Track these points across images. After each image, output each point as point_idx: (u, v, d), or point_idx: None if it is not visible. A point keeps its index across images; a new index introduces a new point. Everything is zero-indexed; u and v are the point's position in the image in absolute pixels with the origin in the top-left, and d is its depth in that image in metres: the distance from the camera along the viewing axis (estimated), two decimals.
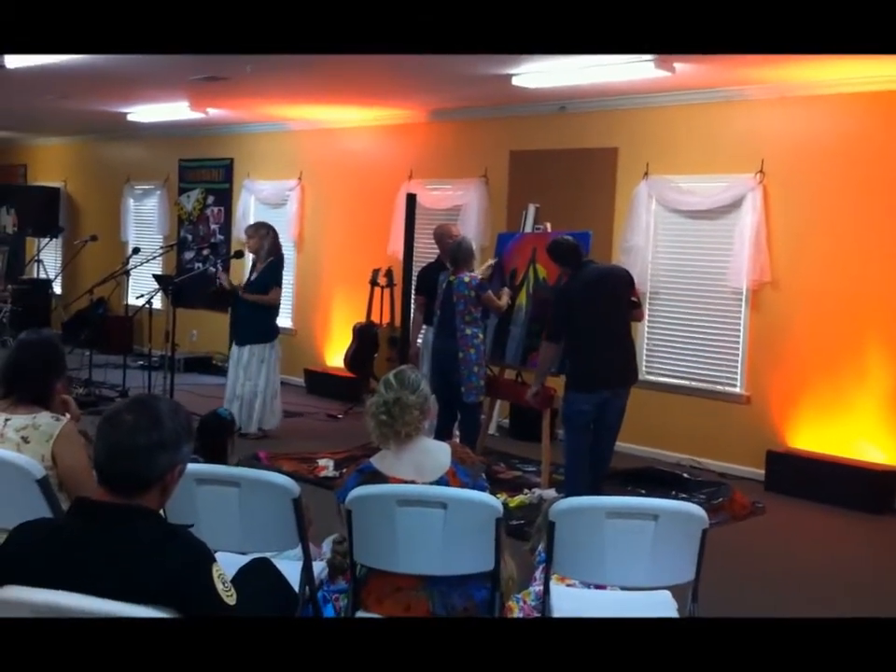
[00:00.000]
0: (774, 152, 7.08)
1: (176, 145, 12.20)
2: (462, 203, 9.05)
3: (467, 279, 6.43)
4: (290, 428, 8.22)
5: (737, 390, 7.34)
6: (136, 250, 9.68)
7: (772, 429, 7.09)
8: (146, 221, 12.88)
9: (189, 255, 12.28)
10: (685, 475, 6.83)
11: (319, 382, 10.24)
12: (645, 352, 7.79)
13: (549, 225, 7.04)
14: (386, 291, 9.47)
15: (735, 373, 7.36)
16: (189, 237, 12.30)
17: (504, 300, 6.65)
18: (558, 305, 5.96)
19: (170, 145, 12.29)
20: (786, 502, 6.56)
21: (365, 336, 9.55)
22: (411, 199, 8.30)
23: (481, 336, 6.47)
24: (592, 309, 5.78)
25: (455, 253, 6.57)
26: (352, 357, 9.63)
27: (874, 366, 6.63)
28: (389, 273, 9.38)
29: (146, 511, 2.14)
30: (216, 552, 2.22)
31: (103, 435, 2.17)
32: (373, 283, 9.52)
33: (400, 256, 8.43)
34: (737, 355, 7.34)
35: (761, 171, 7.10)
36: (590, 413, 5.84)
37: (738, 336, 7.32)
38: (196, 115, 10.06)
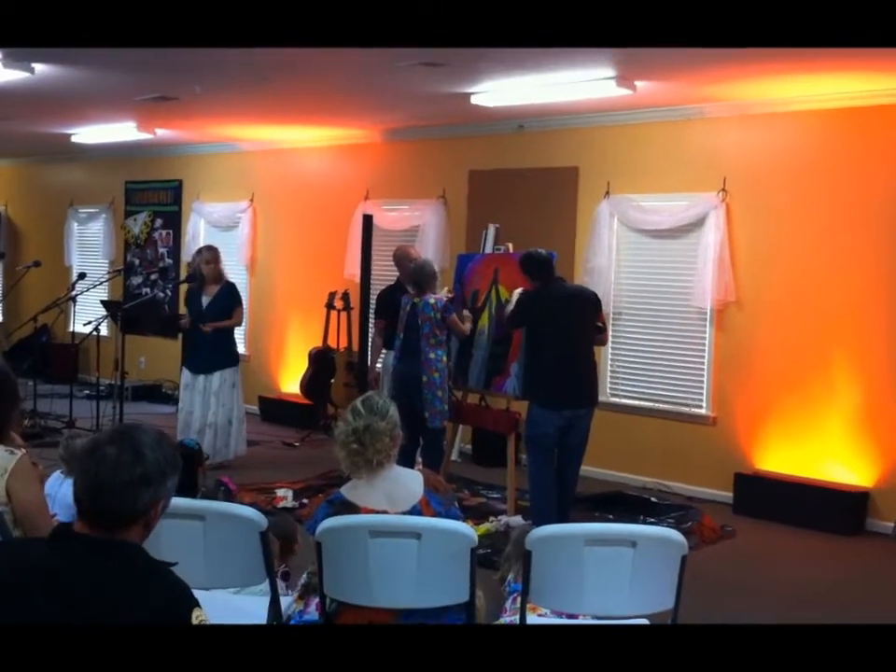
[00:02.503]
0: (736, 170, 7.17)
1: (122, 166, 12.11)
2: (420, 224, 9.06)
3: (432, 301, 6.42)
4: (246, 458, 8.14)
5: (703, 411, 7.39)
6: (82, 275, 9.55)
7: (739, 451, 7.14)
8: (91, 246, 12.74)
9: (136, 280, 12.17)
10: (653, 499, 6.86)
11: (274, 409, 10.16)
12: (609, 373, 7.84)
13: (511, 246, 7.08)
14: (343, 315, 9.44)
15: (701, 394, 7.41)
16: (137, 261, 12.19)
17: (467, 325, 6.65)
18: (520, 304, 6.03)
19: (116, 166, 12.19)
20: (756, 525, 6.60)
21: (321, 361, 9.51)
22: (367, 220, 8.32)
23: (445, 359, 6.46)
24: (556, 326, 5.85)
25: (418, 276, 6.55)
26: (308, 383, 9.58)
27: (841, 385, 6.71)
28: (346, 297, 9.36)
29: (128, 547, 2.10)
30: None
31: (83, 469, 2.12)
32: (329, 306, 9.49)
33: (357, 279, 8.44)
34: (703, 375, 7.39)
35: (723, 189, 7.18)
36: (553, 436, 5.87)
37: (703, 356, 7.38)
38: (144, 136, 9.99)
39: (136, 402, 10.62)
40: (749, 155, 7.15)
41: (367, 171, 9.59)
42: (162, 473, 2.14)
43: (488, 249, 7.35)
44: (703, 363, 7.38)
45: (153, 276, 11.90)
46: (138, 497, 2.10)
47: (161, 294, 11.68)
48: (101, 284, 9.95)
